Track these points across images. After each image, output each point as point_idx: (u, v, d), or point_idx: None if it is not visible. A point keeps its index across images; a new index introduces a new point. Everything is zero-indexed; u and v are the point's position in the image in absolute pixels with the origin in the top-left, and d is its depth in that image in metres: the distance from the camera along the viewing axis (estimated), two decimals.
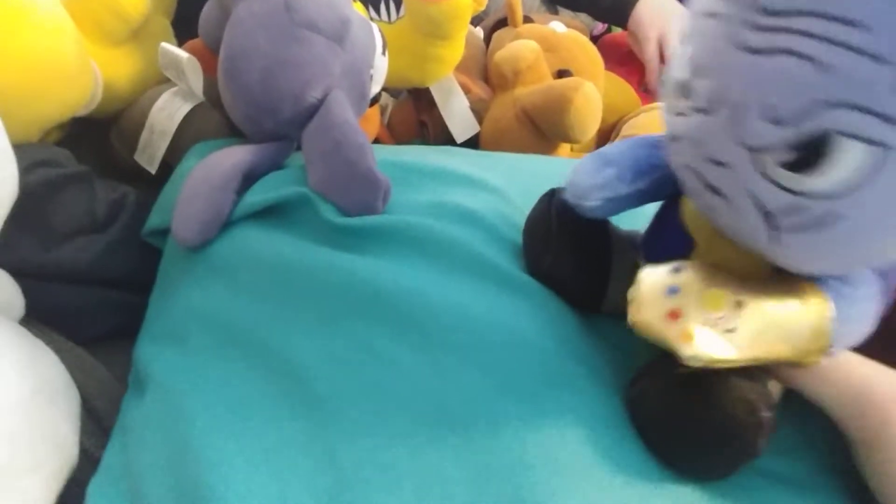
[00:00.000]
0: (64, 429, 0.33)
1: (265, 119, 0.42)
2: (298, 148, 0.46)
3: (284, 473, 0.28)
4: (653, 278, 0.27)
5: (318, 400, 0.30)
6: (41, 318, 0.42)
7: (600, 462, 0.28)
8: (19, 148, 0.44)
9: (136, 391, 0.35)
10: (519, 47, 0.57)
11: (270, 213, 0.39)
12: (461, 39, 0.56)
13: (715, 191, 0.23)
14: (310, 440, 0.29)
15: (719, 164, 0.23)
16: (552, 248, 0.34)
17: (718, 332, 0.25)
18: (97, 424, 0.37)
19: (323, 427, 0.29)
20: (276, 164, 0.43)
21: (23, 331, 0.34)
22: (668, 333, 0.25)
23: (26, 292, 0.41)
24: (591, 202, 0.30)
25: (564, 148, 0.59)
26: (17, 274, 0.41)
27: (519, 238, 0.36)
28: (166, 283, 0.41)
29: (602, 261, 0.34)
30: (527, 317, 0.33)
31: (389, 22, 0.55)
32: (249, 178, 0.41)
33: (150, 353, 0.36)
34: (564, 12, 0.90)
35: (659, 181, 0.30)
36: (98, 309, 0.44)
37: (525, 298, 0.33)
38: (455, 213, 0.37)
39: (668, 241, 0.30)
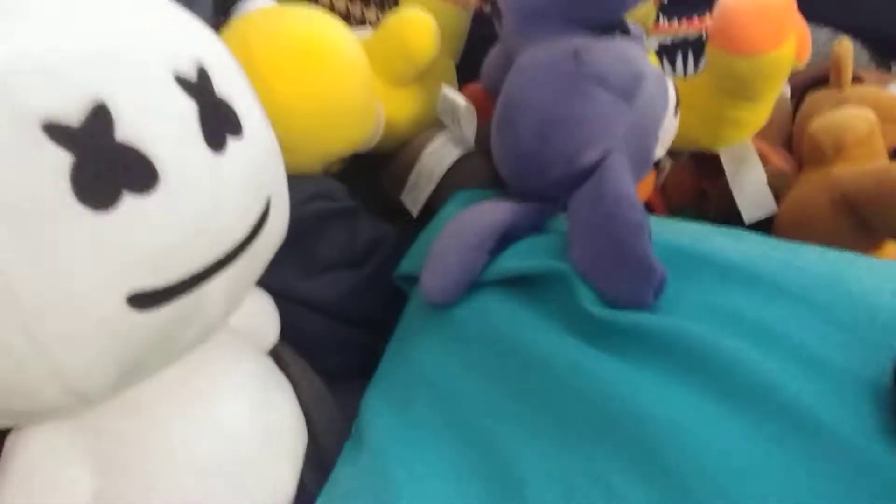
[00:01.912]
0: (285, 470, 0.32)
1: (533, 177, 0.39)
2: (564, 208, 0.42)
3: None
4: None
5: None
6: (288, 341, 0.44)
7: None
8: (302, 179, 0.47)
9: (355, 445, 0.34)
10: (848, 117, 0.46)
11: (521, 284, 0.35)
12: (770, 102, 0.47)
13: None
14: None
15: None
16: None
17: None
18: (320, 461, 0.37)
19: None
20: (536, 227, 0.39)
21: (268, 364, 0.34)
22: None
23: (283, 313, 0.43)
24: None
25: (893, 247, 0.46)
26: (277, 296, 0.43)
27: (841, 376, 0.27)
28: (404, 336, 0.39)
29: None
30: (833, 487, 0.24)
31: (685, 76, 0.49)
32: (506, 239, 0.38)
33: (375, 409, 0.35)
34: None
35: None
36: (339, 343, 0.45)
37: (839, 465, 0.24)
38: (747, 327, 0.29)
39: None
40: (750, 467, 0.25)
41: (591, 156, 0.37)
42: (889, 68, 0.75)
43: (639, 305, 0.31)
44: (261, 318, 0.36)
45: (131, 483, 0.24)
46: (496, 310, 0.34)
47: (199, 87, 0.22)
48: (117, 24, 0.21)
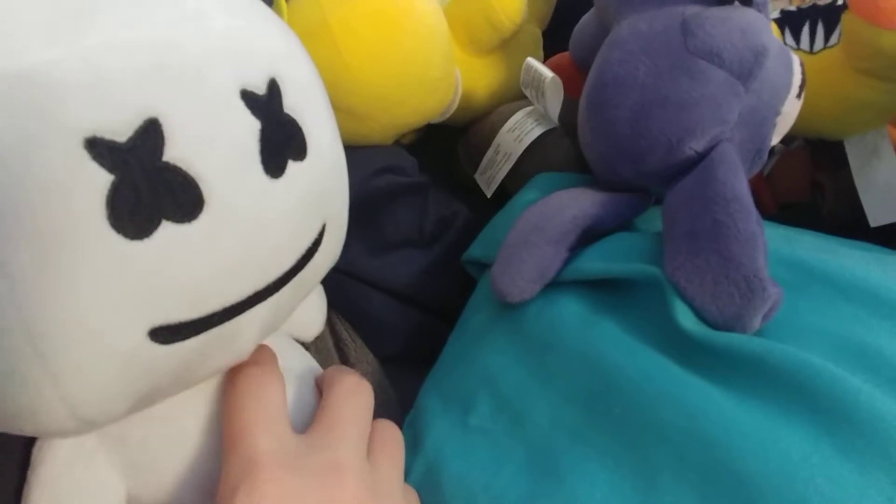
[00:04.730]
0: None
1: (624, 165, 0.34)
2: (657, 202, 0.37)
3: None
4: None
5: None
6: (348, 319, 0.42)
7: None
8: (372, 150, 0.44)
9: (409, 443, 0.32)
10: None
11: (603, 287, 0.31)
12: None
13: None
14: None
15: None
16: None
17: None
18: None
19: None
20: (624, 222, 0.35)
21: (306, 362, 0.32)
22: None
23: (346, 291, 0.41)
24: None
25: None
26: (340, 273, 0.41)
27: None
28: (468, 328, 0.36)
29: None
30: None
31: (811, 51, 0.42)
32: (588, 234, 0.34)
33: (433, 409, 0.32)
34: None
35: None
36: (402, 327, 0.42)
37: None
38: (876, 362, 0.25)
39: None
40: None
41: (695, 144, 0.32)
42: None
43: (743, 328, 0.26)
44: (302, 310, 0.33)
45: (157, 489, 0.23)
46: (573, 316, 0.30)
47: (267, 104, 0.19)
48: (186, 27, 0.18)
